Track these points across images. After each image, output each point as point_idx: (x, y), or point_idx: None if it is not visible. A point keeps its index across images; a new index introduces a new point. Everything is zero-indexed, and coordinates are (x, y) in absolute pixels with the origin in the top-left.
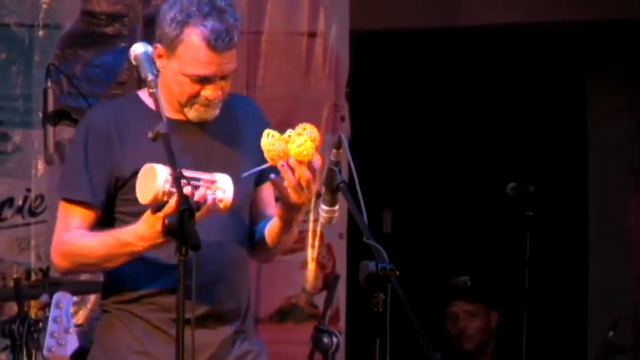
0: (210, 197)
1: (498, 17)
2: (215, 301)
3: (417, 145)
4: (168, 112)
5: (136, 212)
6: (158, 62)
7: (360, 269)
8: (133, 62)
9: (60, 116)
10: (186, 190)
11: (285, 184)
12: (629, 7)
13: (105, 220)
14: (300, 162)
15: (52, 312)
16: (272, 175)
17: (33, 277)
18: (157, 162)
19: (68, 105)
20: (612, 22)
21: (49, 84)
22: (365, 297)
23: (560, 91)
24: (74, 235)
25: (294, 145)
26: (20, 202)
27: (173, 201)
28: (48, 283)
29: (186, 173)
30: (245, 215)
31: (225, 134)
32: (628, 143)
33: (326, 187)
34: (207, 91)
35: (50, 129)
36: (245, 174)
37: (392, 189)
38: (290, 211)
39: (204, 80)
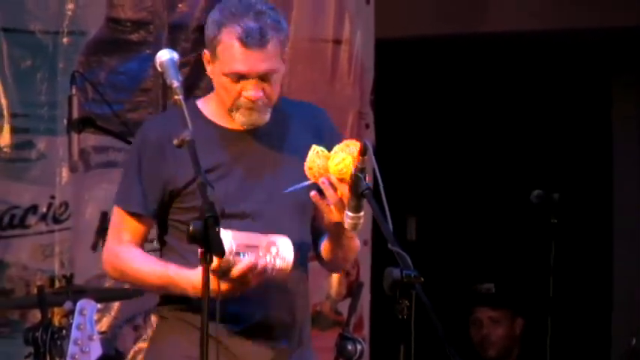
0: (270, 268)
1: (523, 24)
2: (268, 311)
3: (442, 152)
4: (222, 121)
5: (190, 220)
6: (207, 69)
7: (384, 276)
8: (159, 69)
9: (84, 123)
10: (251, 260)
11: (327, 201)
12: None
13: (160, 226)
14: (341, 179)
15: (76, 319)
16: (313, 192)
17: (57, 284)
18: (213, 170)
19: (93, 112)
20: (637, 29)
21: (74, 91)
22: (389, 304)
23: (585, 98)
24: (130, 254)
25: (334, 163)
26: (44, 210)
27: (237, 271)
28: (71, 290)
29: (249, 237)
30: (304, 225)
31: (278, 142)
32: None
33: (351, 194)
34: (248, 92)
35: (75, 136)
36: (287, 190)
37: (416, 196)
38: (336, 227)
39: (240, 77)
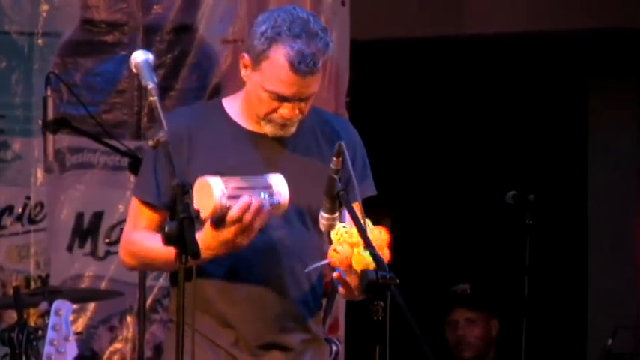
0: (267, 204)
1: (500, 26)
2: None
3: (417, 153)
4: (246, 124)
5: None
6: (243, 72)
7: (360, 278)
8: (134, 70)
9: (60, 125)
10: (244, 199)
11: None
12: (630, 15)
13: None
14: (362, 270)
15: (52, 320)
16: (335, 273)
17: (32, 284)
18: (224, 173)
19: (68, 113)
20: (613, 31)
21: (49, 92)
22: (365, 305)
23: (560, 99)
24: (142, 236)
25: (356, 260)
26: (20, 210)
27: (234, 212)
28: (47, 290)
29: (239, 180)
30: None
31: (302, 151)
32: (628, 151)
33: (326, 195)
34: (285, 110)
35: (50, 137)
36: (308, 269)
37: (392, 197)
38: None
39: (282, 99)
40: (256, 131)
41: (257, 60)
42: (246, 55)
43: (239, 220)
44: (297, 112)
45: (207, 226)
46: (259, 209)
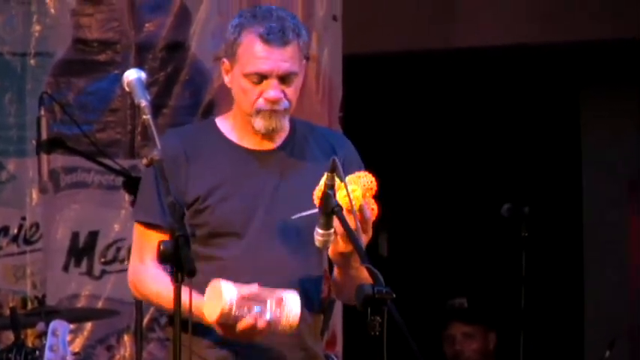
0: (275, 320)
1: (492, 39)
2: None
3: (412, 168)
4: (240, 140)
5: (203, 235)
6: (226, 79)
7: (356, 293)
8: (126, 89)
9: (54, 144)
10: (252, 317)
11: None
12: (622, 26)
13: None
14: (349, 211)
15: (49, 340)
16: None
17: (29, 305)
18: (219, 190)
19: (62, 133)
20: (604, 42)
21: (43, 112)
22: (362, 320)
23: (553, 111)
24: (151, 276)
25: (343, 194)
26: (15, 231)
27: (239, 327)
28: (44, 311)
29: (254, 292)
30: (308, 254)
31: (291, 166)
32: (621, 161)
33: (321, 211)
34: (269, 92)
35: (44, 157)
36: (295, 217)
37: (387, 211)
38: (342, 257)
39: (262, 77)
40: (250, 147)
41: (232, 52)
42: (225, 60)
43: (243, 332)
44: (281, 95)
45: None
46: (267, 328)
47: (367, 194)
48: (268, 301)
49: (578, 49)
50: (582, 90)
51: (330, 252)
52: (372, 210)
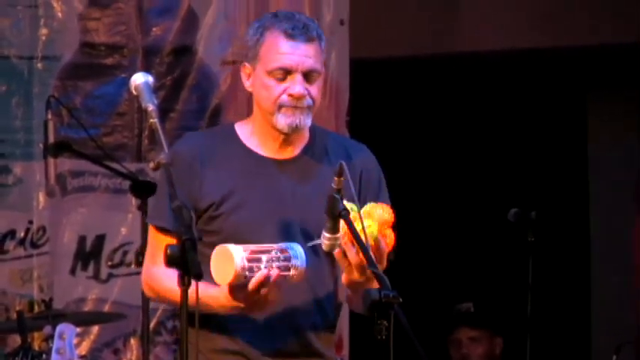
0: (283, 274)
1: (498, 43)
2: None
3: (418, 172)
4: (258, 148)
5: (213, 242)
6: (247, 84)
7: (363, 297)
8: (134, 92)
9: (61, 148)
10: (263, 271)
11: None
12: (629, 30)
13: None
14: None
15: (56, 343)
16: (336, 250)
17: (36, 308)
18: (235, 195)
19: (69, 137)
20: (611, 46)
21: (50, 116)
22: (368, 325)
23: (560, 116)
24: (163, 275)
25: (359, 227)
26: (22, 235)
27: (251, 286)
28: (51, 314)
29: (258, 247)
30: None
31: (307, 177)
32: (628, 166)
33: (328, 215)
34: (293, 87)
35: (51, 161)
36: (310, 244)
37: (394, 216)
38: (356, 284)
39: (286, 72)
40: (267, 155)
41: (255, 54)
42: (246, 64)
43: (256, 292)
44: (305, 92)
45: (225, 289)
46: (277, 283)
47: (384, 227)
48: (273, 251)
49: (586, 54)
50: (590, 94)
51: (343, 279)
52: (388, 242)
